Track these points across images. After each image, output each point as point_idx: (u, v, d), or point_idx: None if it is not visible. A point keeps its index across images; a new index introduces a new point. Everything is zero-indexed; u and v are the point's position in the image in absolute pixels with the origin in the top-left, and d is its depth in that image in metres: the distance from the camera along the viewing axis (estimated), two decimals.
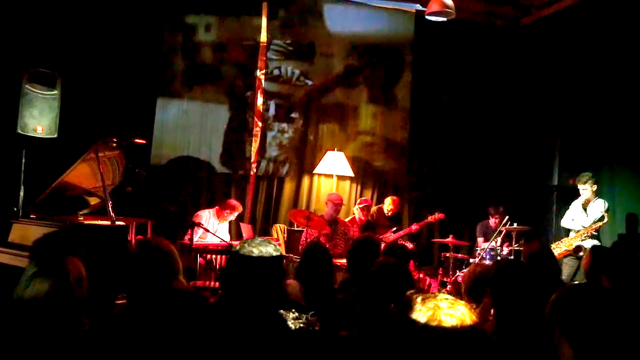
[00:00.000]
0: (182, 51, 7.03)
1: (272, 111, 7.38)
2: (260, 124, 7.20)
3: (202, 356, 1.77)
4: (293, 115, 7.46)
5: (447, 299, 1.22)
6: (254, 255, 1.84)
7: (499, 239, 6.14)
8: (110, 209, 4.41)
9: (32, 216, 4.52)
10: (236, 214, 6.26)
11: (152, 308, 2.06)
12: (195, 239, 5.53)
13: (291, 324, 1.98)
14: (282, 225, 6.92)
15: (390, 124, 7.75)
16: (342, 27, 7.53)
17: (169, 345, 1.87)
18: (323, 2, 7.49)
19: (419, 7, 7.33)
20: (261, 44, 7.21)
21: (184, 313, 1.74)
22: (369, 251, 3.42)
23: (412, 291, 1.30)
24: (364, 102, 7.68)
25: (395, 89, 7.73)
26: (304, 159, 7.44)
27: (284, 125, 7.42)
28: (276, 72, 7.38)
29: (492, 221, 6.59)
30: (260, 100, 7.20)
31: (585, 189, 5.67)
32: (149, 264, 2.31)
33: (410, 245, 6.24)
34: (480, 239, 6.69)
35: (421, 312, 1.19)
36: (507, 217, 6.01)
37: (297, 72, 7.43)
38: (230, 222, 6.55)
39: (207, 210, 6.18)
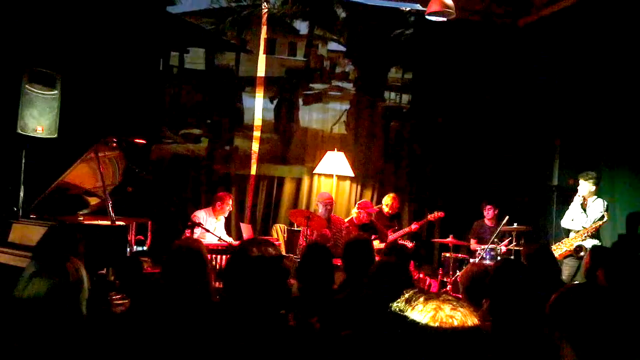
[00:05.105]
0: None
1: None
2: (260, 122, 7.21)
3: (203, 356, 1.77)
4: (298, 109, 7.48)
5: (449, 300, 1.22)
6: (254, 255, 1.84)
7: (497, 240, 6.12)
8: (110, 209, 4.42)
9: (32, 216, 4.52)
10: (227, 207, 6.23)
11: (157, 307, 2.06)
12: None
13: (292, 323, 1.98)
14: (282, 225, 6.91)
15: (390, 124, 7.74)
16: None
17: (171, 346, 1.87)
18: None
19: (419, 7, 7.32)
20: (262, 41, 7.22)
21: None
22: (362, 250, 3.44)
23: (413, 291, 1.30)
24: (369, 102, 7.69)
25: (396, 86, 7.75)
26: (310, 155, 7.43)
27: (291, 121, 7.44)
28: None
29: (487, 216, 6.59)
30: (260, 98, 7.21)
31: (585, 185, 5.67)
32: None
33: (410, 245, 6.22)
34: (472, 241, 6.66)
35: (423, 313, 1.19)
36: (506, 217, 5.99)
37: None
38: (229, 223, 6.55)
39: (202, 210, 6.20)
